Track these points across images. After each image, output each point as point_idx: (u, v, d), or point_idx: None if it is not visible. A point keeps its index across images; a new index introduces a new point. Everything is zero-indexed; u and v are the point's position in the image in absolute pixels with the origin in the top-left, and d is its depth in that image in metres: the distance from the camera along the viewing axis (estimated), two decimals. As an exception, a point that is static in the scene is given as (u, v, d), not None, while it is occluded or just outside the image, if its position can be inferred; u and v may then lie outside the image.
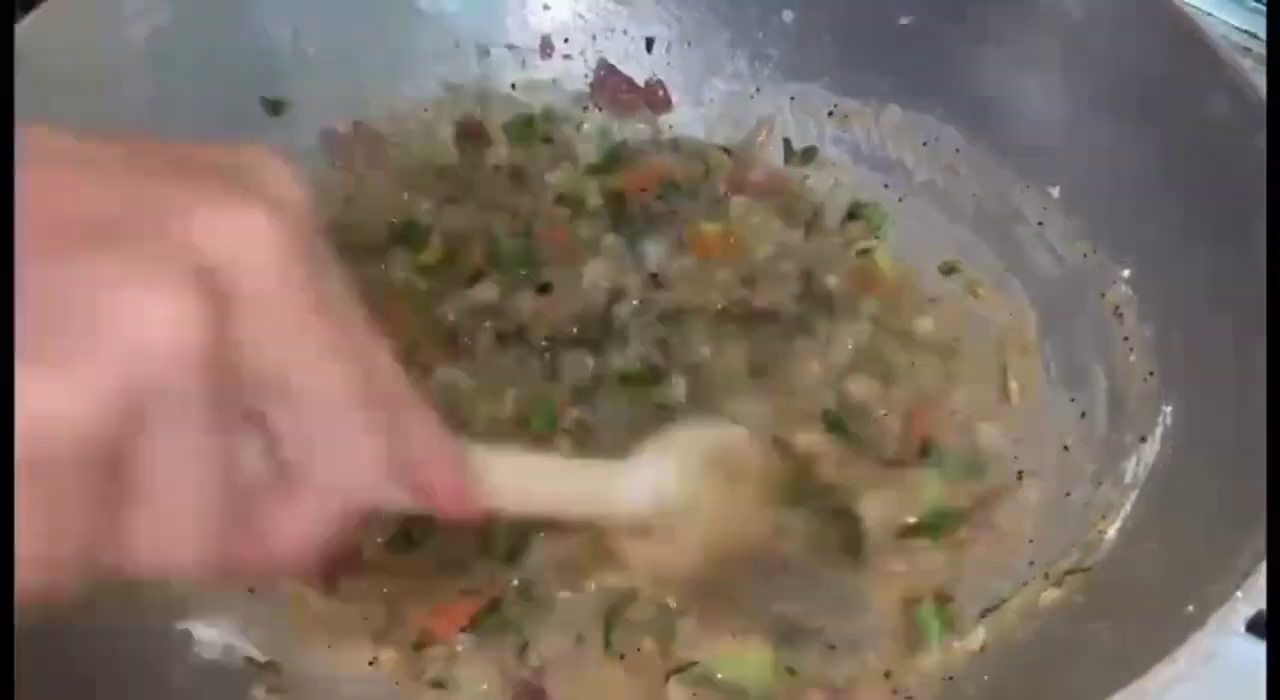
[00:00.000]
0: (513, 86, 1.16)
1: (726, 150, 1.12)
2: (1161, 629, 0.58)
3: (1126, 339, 0.86)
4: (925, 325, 0.96)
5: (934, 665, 0.74)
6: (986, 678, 0.71)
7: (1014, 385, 0.91)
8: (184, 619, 0.76)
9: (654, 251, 1.03)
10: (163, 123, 0.97)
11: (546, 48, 1.15)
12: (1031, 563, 0.79)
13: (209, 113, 1.01)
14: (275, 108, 1.07)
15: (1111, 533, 0.75)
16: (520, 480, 0.54)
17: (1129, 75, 0.91)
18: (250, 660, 0.76)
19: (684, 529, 0.61)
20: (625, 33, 1.16)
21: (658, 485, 0.60)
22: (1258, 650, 0.60)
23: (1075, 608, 0.72)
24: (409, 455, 0.45)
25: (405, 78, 1.13)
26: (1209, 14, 1.14)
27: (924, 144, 1.06)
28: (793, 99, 1.12)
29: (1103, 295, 0.89)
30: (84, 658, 0.66)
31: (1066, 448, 0.86)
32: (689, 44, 1.16)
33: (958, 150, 1.03)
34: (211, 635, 0.76)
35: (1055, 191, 0.96)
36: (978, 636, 0.74)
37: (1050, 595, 0.75)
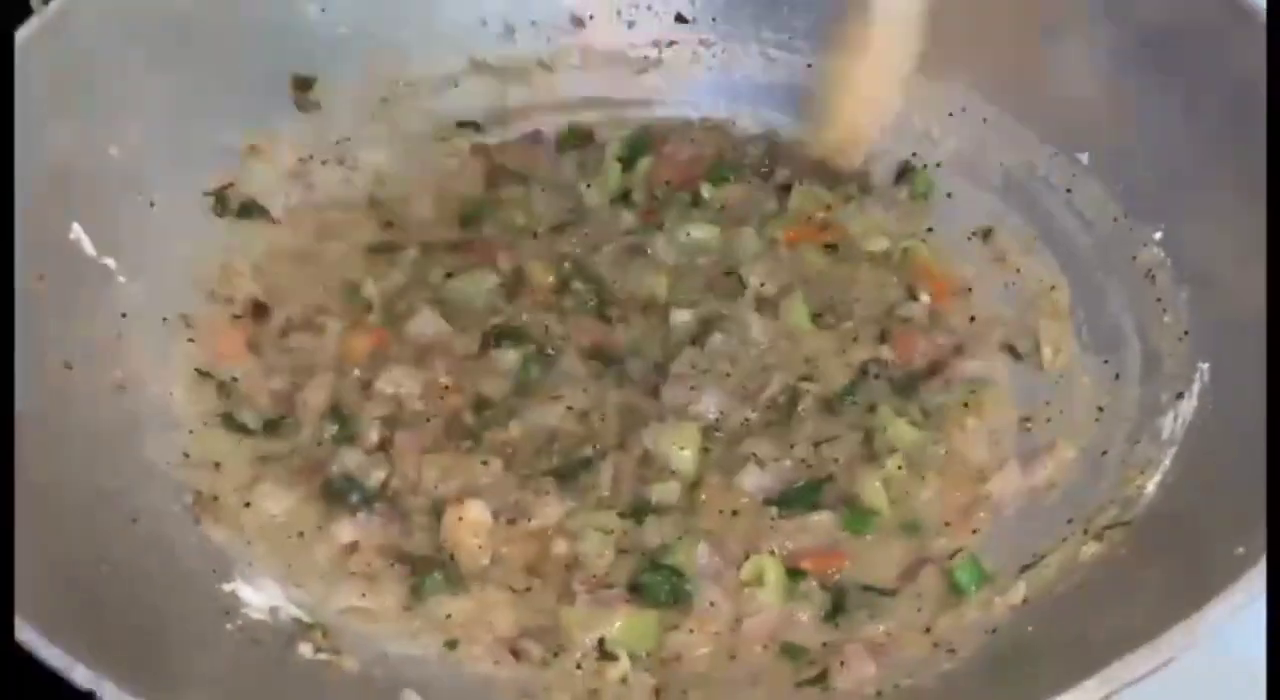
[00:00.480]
0: (540, 63, 1.16)
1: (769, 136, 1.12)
2: (1213, 570, 0.58)
3: (1159, 300, 0.87)
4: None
5: (975, 620, 0.74)
6: (1030, 629, 0.71)
7: (1047, 350, 0.91)
8: (228, 580, 0.77)
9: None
10: (194, 96, 0.99)
11: (576, 23, 1.16)
12: (1070, 520, 0.79)
13: (240, 89, 1.03)
14: (305, 84, 1.08)
15: (1151, 487, 0.76)
16: None
17: (1155, 35, 0.91)
18: (296, 620, 0.76)
19: None
20: (650, 8, 1.17)
21: None
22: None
23: (1119, 560, 0.72)
24: None
25: (432, 54, 1.14)
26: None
27: (950, 114, 1.06)
28: (809, 66, 1.12)
29: (1134, 258, 0.89)
30: (133, 620, 0.67)
31: (1101, 409, 0.86)
32: (715, 20, 1.16)
33: (985, 120, 1.04)
34: (257, 597, 0.77)
35: (1084, 157, 0.97)
36: (1019, 591, 0.75)
37: (1091, 549, 0.75)
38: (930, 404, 0.88)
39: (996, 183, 1.03)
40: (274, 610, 0.76)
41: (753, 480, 0.84)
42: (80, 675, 0.53)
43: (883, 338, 0.93)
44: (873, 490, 0.82)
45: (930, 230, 1.02)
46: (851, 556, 0.80)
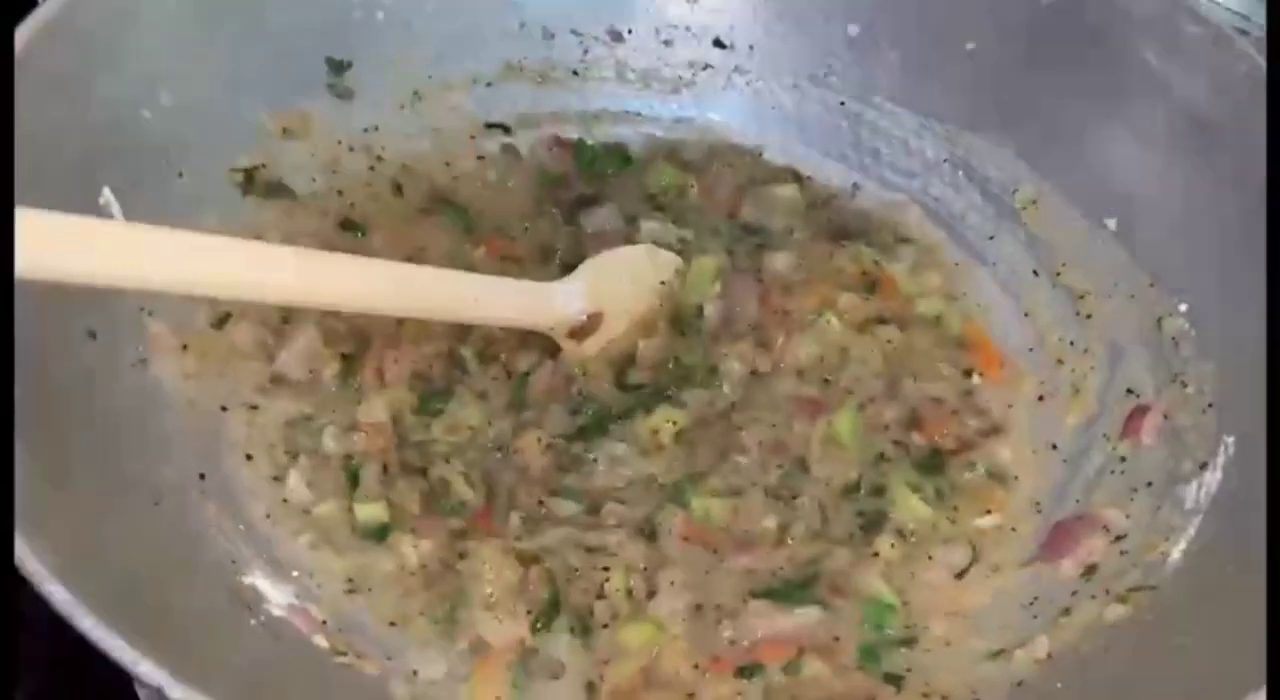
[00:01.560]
0: (574, 72, 1.15)
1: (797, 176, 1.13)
2: (1254, 650, 0.59)
3: (1182, 372, 0.89)
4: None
5: (998, 671, 0.75)
6: (1060, 685, 0.72)
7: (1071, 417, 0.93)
8: (248, 574, 0.75)
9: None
10: (230, 69, 0.96)
11: (614, 36, 1.15)
12: (1089, 578, 0.81)
13: (275, 68, 1.00)
14: (339, 68, 1.06)
15: (1176, 554, 0.78)
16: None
17: (1192, 114, 0.93)
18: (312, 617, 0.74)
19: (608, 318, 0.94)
20: (689, 29, 1.17)
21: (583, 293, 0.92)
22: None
23: (1147, 625, 0.74)
24: None
25: (467, 52, 1.12)
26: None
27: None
28: (842, 103, 1.14)
29: (1160, 324, 0.92)
30: (165, 609, 0.64)
31: (1121, 471, 0.88)
32: (751, 48, 1.17)
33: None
34: (277, 592, 0.74)
35: (1111, 224, 0.99)
36: (1041, 645, 0.76)
37: (1116, 611, 0.76)
38: (948, 484, 0.90)
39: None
40: (292, 607, 0.74)
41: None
42: (145, 670, 0.50)
43: (912, 420, 0.94)
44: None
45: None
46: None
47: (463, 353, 0.93)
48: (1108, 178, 1.00)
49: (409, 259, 0.98)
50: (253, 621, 0.70)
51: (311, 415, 0.89)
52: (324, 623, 0.74)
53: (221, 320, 0.91)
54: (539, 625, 0.79)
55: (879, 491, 0.89)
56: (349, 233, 1.02)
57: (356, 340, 0.93)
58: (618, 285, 0.98)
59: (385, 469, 0.86)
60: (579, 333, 0.96)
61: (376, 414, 0.88)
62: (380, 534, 0.83)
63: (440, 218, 1.06)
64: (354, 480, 0.85)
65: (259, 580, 0.74)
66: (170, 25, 0.91)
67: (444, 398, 0.91)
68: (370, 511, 0.83)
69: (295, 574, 0.77)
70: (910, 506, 0.87)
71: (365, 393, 0.90)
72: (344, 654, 0.72)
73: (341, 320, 0.93)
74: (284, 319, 0.93)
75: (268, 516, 0.81)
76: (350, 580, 0.80)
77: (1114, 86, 0.99)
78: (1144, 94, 0.97)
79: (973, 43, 1.06)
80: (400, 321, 0.93)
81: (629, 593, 0.81)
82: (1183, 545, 0.78)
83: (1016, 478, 0.91)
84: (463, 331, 0.94)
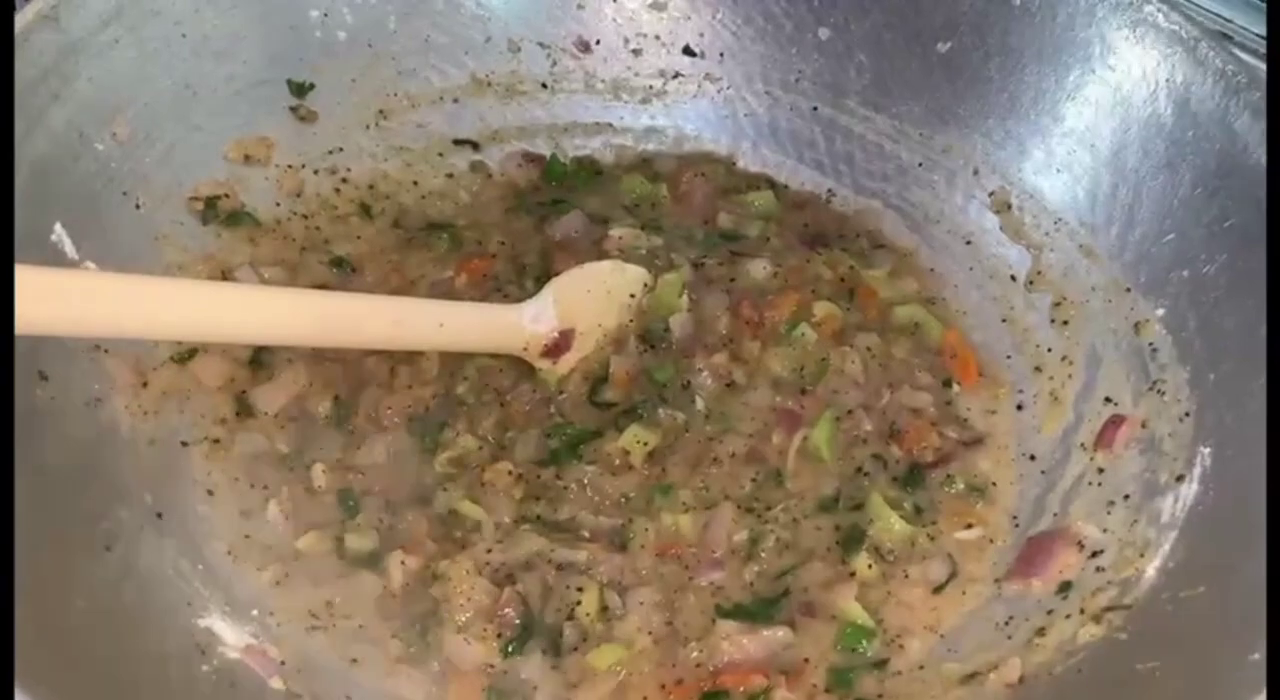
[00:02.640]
0: (543, 85, 1.14)
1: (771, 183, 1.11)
2: (1227, 675, 0.58)
3: (1159, 379, 0.87)
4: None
5: (970, 696, 0.74)
6: (1032, 711, 0.71)
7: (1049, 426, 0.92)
8: (205, 616, 0.74)
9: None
10: (188, 96, 0.95)
11: (582, 47, 1.14)
12: (1065, 596, 0.79)
13: (234, 93, 0.99)
14: (300, 90, 1.04)
15: (1151, 571, 0.76)
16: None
17: (1169, 115, 0.91)
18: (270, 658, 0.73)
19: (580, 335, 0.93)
20: (659, 38, 1.15)
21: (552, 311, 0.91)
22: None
23: (1120, 645, 0.72)
24: None
25: (432, 68, 1.11)
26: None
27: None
28: (815, 109, 1.12)
29: (1137, 330, 0.90)
30: (108, 664, 0.63)
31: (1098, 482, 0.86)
32: (722, 56, 1.15)
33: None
34: (234, 633, 0.73)
35: (1087, 227, 0.97)
36: (1014, 668, 0.74)
37: (1090, 631, 0.75)
38: (928, 499, 0.88)
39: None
40: (249, 648, 0.73)
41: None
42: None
43: (891, 433, 0.92)
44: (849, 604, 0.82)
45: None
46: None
47: (459, 392, 0.93)
48: (1084, 181, 0.97)
49: (391, 286, 0.98)
50: (205, 667, 0.68)
51: (292, 452, 0.88)
52: (282, 663, 0.73)
53: (187, 355, 0.90)
54: (510, 649, 0.78)
55: (857, 507, 0.87)
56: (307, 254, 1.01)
57: (350, 381, 0.93)
58: (587, 301, 0.96)
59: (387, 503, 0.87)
60: (552, 351, 0.94)
61: (377, 457, 0.89)
62: (372, 560, 0.83)
63: (416, 238, 1.05)
64: (351, 512, 0.85)
65: (215, 621, 0.73)
66: (123, 54, 0.90)
67: (440, 432, 0.90)
68: (366, 540, 0.83)
69: (254, 613, 0.76)
70: (889, 524, 0.85)
71: (362, 436, 0.90)
72: (300, 696, 0.70)
73: (328, 356, 0.93)
74: (254, 355, 0.93)
75: (229, 553, 0.80)
76: (314, 616, 0.80)
77: (1090, 87, 0.97)
78: (1120, 95, 0.94)
79: (946, 44, 1.04)
80: (392, 367, 0.93)
81: (602, 611, 0.80)
82: (1157, 562, 0.76)
83: (995, 485, 0.89)
84: (456, 369, 0.93)
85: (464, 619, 0.79)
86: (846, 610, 0.81)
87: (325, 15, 1.05)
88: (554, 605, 0.80)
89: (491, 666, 0.77)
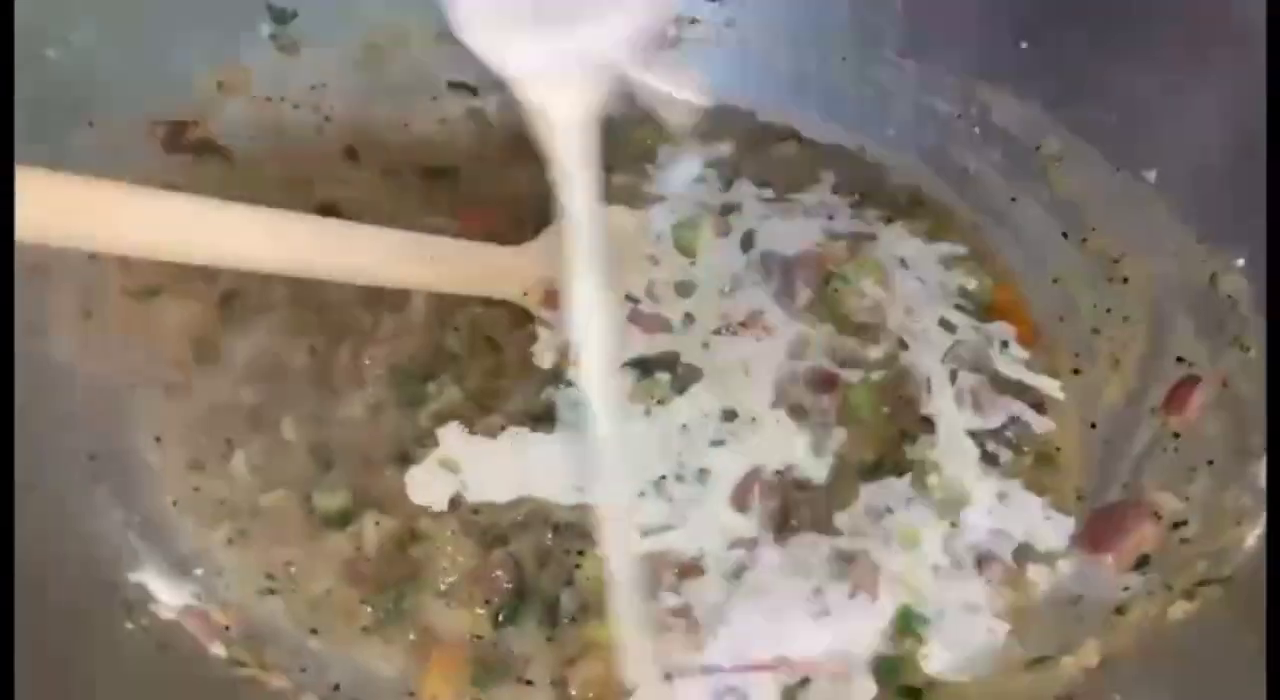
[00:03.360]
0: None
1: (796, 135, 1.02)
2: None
3: (1241, 333, 0.77)
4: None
5: (1038, 683, 0.63)
6: (1118, 697, 0.60)
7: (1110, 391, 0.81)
8: (136, 570, 0.62)
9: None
10: (154, 16, 0.85)
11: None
12: (1144, 571, 0.68)
13: (209, 13, 0.89)
14: (283, 17, 0.95)
15: (1251, 540, 0.65)
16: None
17: (1240, 49, 0.82)
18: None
19: None
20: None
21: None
22: None
23: (1219, 622, 0.61)
24: None
25: (427, 3, 1.01)
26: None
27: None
28: (844, 59, 1.02)
29: (1214, 282, 0.80)
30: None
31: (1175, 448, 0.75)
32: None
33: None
34: (171, 593, 0.62)
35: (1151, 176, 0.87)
36: (1090, 650, 0.63)
37: (1183, 607, 0.64)
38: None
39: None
40: (187, 610, 0.61)
41: None
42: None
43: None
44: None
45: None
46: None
47: (448, 344, 0.84)
48: (1144, 125, 0.87)
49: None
50: (130, 626, 0.57)
51: (261, 403, 0.79)
52: (226, 628, 0.62)
53: (148, 293, 0.80)
54: (500, 617, 0.68)
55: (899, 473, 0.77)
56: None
57: (328, 330, 0.84)
58: None
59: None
60: (553, 298, 0.84)
61: (355, 411, 0.80)
62: (342, 520, 0.73)
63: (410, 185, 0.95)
64: (324, 468, 0.76)
65: (149, 578, 0.62)
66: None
67: (424, 384, 0.81)
68: (339, 499, 0.74)
69: (199, 572, 0.65)
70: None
71: (340, 390, 0.81)
72: (244, 665, 0.59)
73: (305, 303, 0.84)
74: (223, 296, 0.82)
75: (174, 504, 0.69)
76: (270, 577, 0.69)
77: (1148, 22, 0.87)
78: (1184, 28, 0.85)
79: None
80: (376, 315, 0.84)
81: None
82: (1258, 530, 0.65)
83: (1059, 450, 0.78)
84: (447, 317, 0.85)
85: (447, 584, 0.68)
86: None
87: (309, -64, 0.95)
88: (551, 570, 0.69)
89: (478, 637, 0.67)
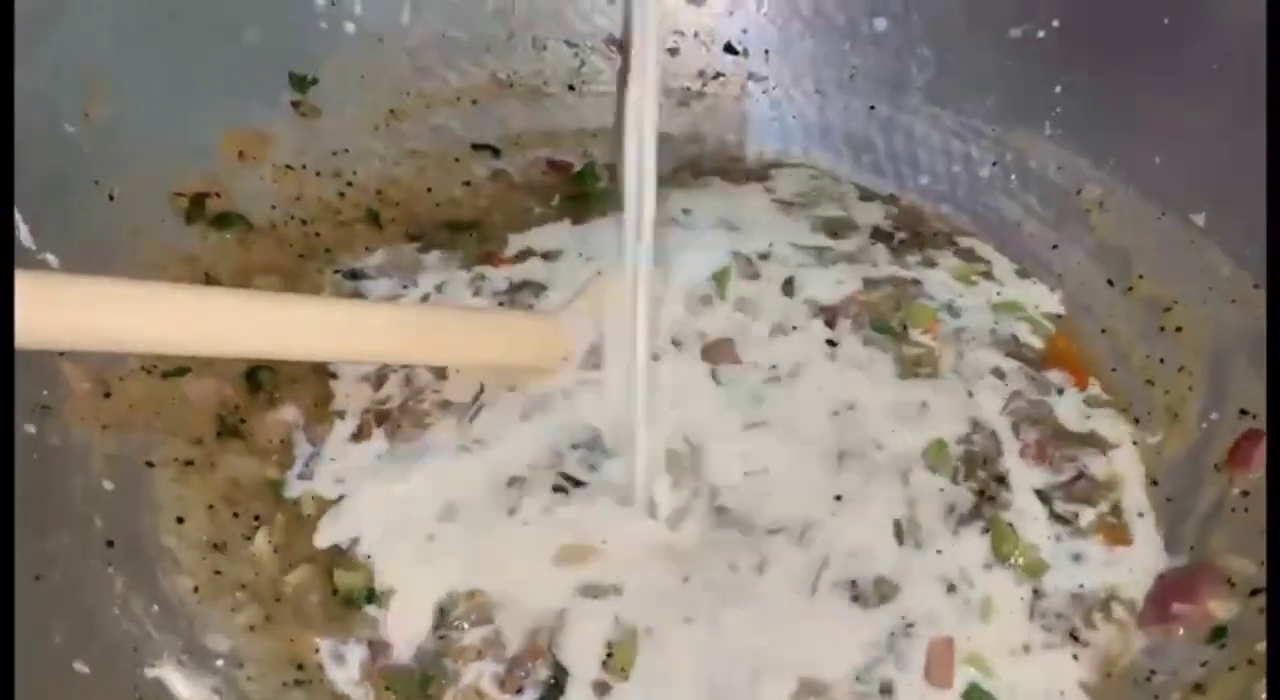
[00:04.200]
0: (570, 87, 1.03)
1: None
2: None
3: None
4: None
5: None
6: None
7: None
8: (155, 664, 0.59)
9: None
10: (178, 81, 0.84)
11: (614, 46, 1.03)
12: (1221, 644, 0.64)
13: (229, 82, 0.89)
14: (303, 84, 0.94)
15: (1338, 608, 0.61)
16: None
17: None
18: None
19: None
20: (697, 35, 1.05)
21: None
22: None
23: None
24: None
25: (449, 66, 1.01)
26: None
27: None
28: (872, 108, 1.00)
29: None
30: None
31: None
32: (767, 53, 1.04)
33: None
34: (190, 688, 0.59)
35: (1200, 219, 0.84)
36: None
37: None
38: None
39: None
40: (208, 705, 0.58)
41: None
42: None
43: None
44: None
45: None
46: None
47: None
48: (1191, 166, 0.84)
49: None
50: (148, 726, 0.54)
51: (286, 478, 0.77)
52: (243, 723, 0.59)
53: (177, 372, 0.78)
54: None
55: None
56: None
57: None
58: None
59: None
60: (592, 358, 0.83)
61: None
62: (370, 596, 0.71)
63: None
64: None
65: (167, 671, 0.59)
66: (109, 20, 0.80)
67: None
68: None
69: (219, 663, 0.62)
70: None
71: None
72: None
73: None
74: (249, 371, 0.81)
75: (195, 591, 0.66)
76: (300, 667, 0.65)
77: (1190, 60, 0.84)
78: (1231, 63, 0.82)
79: (1018, 29, 0.93)
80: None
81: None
82: (1344, 596, 0.61)
83: (1141, 516, 0.74)
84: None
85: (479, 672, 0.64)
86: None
87: (332, 3, 0.95)
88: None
89: None
